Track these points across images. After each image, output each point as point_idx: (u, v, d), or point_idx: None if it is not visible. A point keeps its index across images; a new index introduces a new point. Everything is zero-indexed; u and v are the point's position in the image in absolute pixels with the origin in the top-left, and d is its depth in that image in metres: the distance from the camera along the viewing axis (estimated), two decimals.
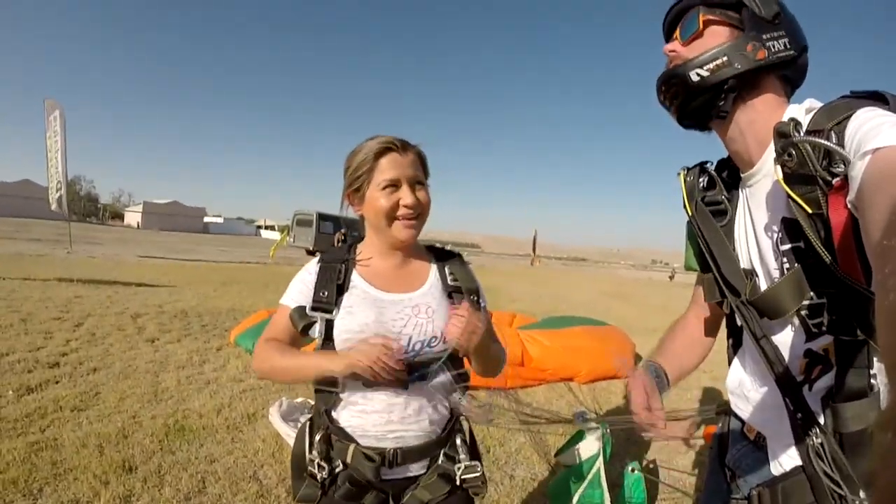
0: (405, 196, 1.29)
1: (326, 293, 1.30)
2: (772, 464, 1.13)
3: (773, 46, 1.00)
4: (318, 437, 1.32)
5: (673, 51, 1.10)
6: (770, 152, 1.02)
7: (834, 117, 0.89)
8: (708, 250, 1.18)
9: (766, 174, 1.05)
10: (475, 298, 1.38)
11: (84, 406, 3.76)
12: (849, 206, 0.80)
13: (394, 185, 1.29)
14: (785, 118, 0.96)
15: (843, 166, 0.83)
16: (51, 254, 15.34)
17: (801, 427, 1.02)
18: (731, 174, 1.17)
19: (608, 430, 2.40)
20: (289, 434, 3.42)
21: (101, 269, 12.46)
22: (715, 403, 1.39)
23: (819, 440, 0.98)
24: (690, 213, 1.22)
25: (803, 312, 0.99)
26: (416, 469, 1.36)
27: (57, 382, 4.19)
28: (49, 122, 15.44)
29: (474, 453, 1.45)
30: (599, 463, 2.31)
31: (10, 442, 3.07)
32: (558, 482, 2.52)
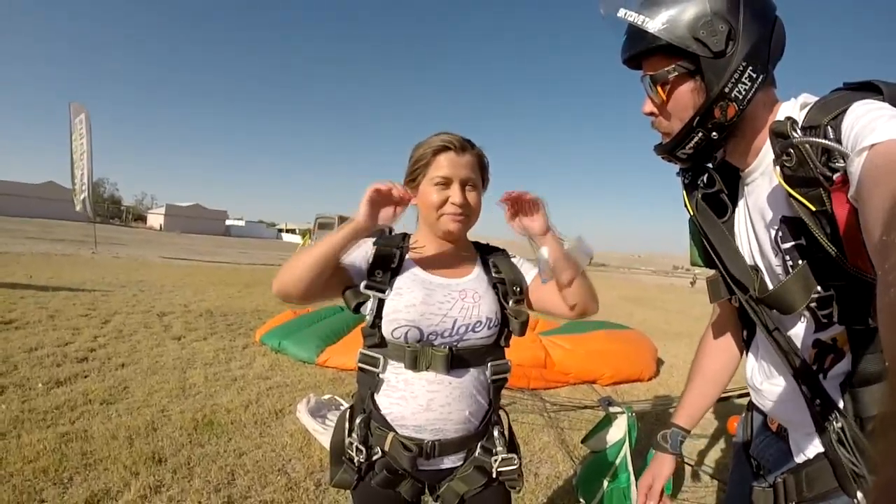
0: (454, 195, 1.33)
1: (381, 273, 1.33)
2: (795, 454, 1.14)
3: (741, 92, 0.95)
4: (358, 421, 1.35)
5: (651, 113, 1.09)
6: (766, 151, 1.02)
7: (829, 112, 0.88)
8: (712, 248, 1.18)
9: (763, 172, 1.05)
10: (517, 289, 1.40)
11: (113, 399, 3.80)
12: (851, 201, 0.80)
13: (446, 182, 1.33)
14: (780, 116, 0.95)
15: (842, 161, 0.83)
16: (76, 254, 15.61)
17: (821, 414, 1.03)
18: (730, 171, 1.16)
19: (633, 415, 2.42)
20: (316, 430, 3.41)
21: (125, 269, 12.65)
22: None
23: (839, 424, 0.99)
24: (692, 212, 1.21)
25: (812, 305, 1.01)
26: (452, 461, 1.37)
27: (86, 376, 4.24)
28: (74, 125, 15.79)
29: (512, 446, 1.45)
30: (626, 447, 2.33)
31: (41, 432, 3.11)
32: (586, 469, 2.53)
